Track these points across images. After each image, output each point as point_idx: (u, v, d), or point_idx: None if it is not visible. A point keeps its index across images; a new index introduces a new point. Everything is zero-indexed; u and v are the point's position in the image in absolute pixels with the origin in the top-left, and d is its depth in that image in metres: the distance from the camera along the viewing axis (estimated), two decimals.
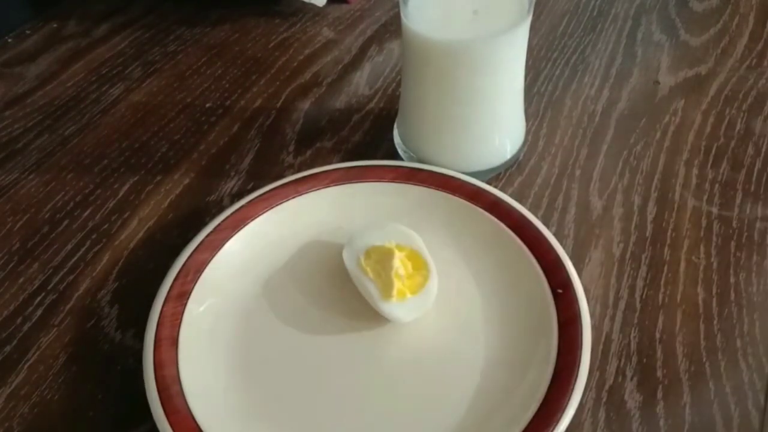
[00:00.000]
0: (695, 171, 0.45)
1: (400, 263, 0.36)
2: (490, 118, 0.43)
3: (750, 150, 0.46)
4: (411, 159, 0.45)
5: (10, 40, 0.61)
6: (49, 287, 0.41)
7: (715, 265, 0.40)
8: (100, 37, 0.61)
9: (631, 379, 0.35)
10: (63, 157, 0.49)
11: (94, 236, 0.44)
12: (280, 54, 0.58)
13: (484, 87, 0.41)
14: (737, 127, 0.48)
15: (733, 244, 0.41)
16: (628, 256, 0.40)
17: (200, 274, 0.38)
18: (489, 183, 0.43)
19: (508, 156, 0.45)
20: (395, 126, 0.47)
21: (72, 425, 0.34)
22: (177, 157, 0.49)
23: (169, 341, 0.35)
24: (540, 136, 0.48)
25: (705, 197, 0.43)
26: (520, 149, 0.46)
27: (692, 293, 0.38)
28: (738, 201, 0.43)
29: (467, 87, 0.41)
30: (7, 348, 0.38)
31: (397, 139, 0.47)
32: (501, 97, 0.42)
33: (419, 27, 0.40)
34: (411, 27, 0.40)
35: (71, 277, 0.41)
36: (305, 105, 0.53)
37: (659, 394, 0.34)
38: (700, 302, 0.38)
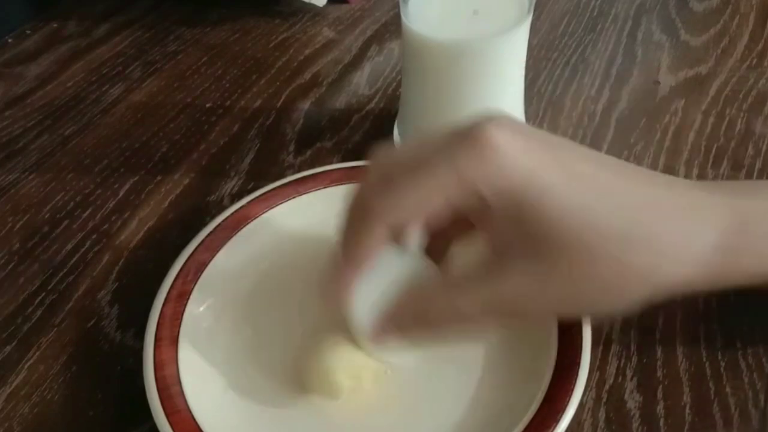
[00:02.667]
0: (695, 171, 0.45)
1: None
2: None
3: (750, 150, 0.46)
4: None
5: (10, 40, 0.61)
6: (49, 287, 0.41)
7: None
8: (100, 37, 0.61)
9: (631, 379, 0.35)
10: (63, 157, 0.49)
11: (94, 236, 0.44)
12: (280, 54, 0.58)
13: (484, 87, 0.41)
14: (737, 128, 0.48)
15: None
16: None
17: (200, 274, 0.38)
18: None
19: None
20: (395, 126, 0.47)
21: (72, 425, 0.34)
22: (177, 157, 0.49)
23: (169, 341, 0.35)
24: None
25: None
26: None
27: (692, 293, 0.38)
28: None
29: (467, 87, 0.41)
30: (7, 348, 0.38)
31: (397, 139, 0.46)
32: (501, 97, 0.42)
33: (419, 27, 0.39)
34: (411, 27, 0.40)
35: (71, 277, 0.41)
36: (305, 105, 0.53)
37: (659, 394, 0.34)
38: (700, 302, 0.38)
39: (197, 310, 0.37)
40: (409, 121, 0.45)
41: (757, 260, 0.29)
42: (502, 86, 0.42)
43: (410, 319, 0.31)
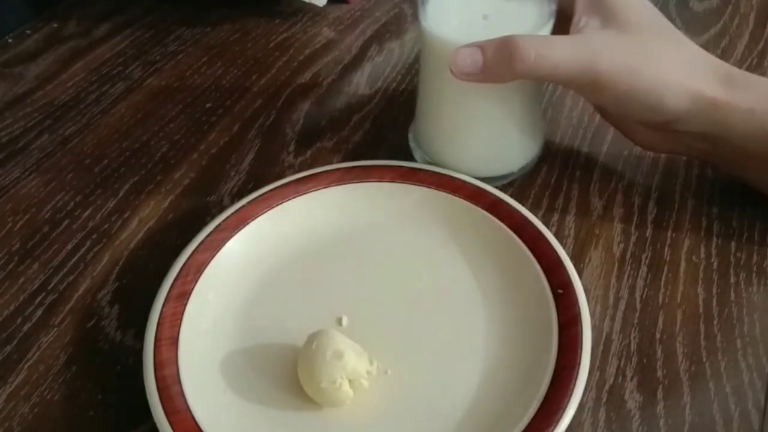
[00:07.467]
0: (695, 171, 0.45)
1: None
2: (506, 124, 0.42)
3: None
4: (426, 162, 0.44)
5: (10, 40, 0.61)
6: (49, 287, 0.41)
7: (715, 265, 0.40)
8: (100, 37, 0.61)
9: (631, 379, 0.35)
10: (63, 157, 0.49)
11: (94, 236, 0.44)
12: (280, 54, 0.58)
13: (498, 92, 0.40)
14: None
15: (733, 244, 0.41)
16: (628, 256, 0.40)
17: (200, 274, 0.38)
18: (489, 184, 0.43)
19: (526, 162, 0.44)
20: (410, 129, 0.47)
21: (72, 425, 0.34)
22: (177, 157, 0.49)
23: (169, 341, 0.35)
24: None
25: (705, 197, 0.43)
26: (538, 155, 0.45)
27: (692, 293, 0.38)
28: (738, 201, 0.43)
29: (480, 92, 0.40)
30: (7, 348, 0.38)
31: (412, 143, 0.46)
32: (517, 100, 0.41)
33: (436, 29, 0.39)
34: (429, 29, 0.39)
35: (71, 277, 0.41)
36: (305, 105, 0.53)
37: (659, 394, 0.34)
38: (700, 302, 0.38)
39: (197, 310, 0.37)
40: (425, 125, 0.44)
41: (737, 115, 0.37)
42: (517, 92, 0.41)
43: (498, 54, 0.37)
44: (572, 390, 0.32)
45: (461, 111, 0.42)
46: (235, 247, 0.39)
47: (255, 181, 0.46)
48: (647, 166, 0.46)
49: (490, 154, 0.43)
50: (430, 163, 0.44)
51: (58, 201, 0.46)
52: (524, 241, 0.38)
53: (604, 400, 0.34)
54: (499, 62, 0.37)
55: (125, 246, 0.43)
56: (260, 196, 0.41)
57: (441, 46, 0.39)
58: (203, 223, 0.40)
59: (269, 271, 0.39)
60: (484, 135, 0.42)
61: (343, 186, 0.42)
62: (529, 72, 0.37)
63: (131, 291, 0.40)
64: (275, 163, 0.48)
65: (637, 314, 0.37)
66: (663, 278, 0.39)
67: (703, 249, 0.40)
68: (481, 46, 0.37)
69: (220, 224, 0.40)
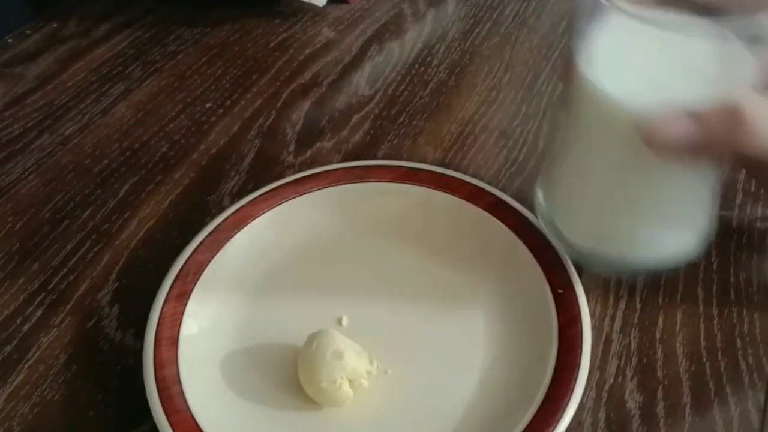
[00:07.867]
0: None
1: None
2: (682, 203, 0.35)
3: None
4: (569, 247, 0.37)
5: (10, 40, 0.61)
6: (49, 287, 0.41)
7: (715, 265, 0.39)
8: (100, 37, 0.61)
9: (631, 379, 0.35)
10: (63, 157, 0.49)
11: (94, 236, 0.44)
12: (280, 54, 0.58)
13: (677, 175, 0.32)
14: None
15: (733, 244, 0.41)
16: None
17: (200, 274, 0.38)
18: (489, 184, 0.42)
19: (701, 243, 0.36)
20: (537, 190, 0.39)
21: (72, 425, 0.34)
22: (177, 157, 0.49)
23: (169, 341, 0.35)
24: (540, 136, 0.48)
25: None
26: (703, 247, 0.37)
27: (692, 293, 0.38)
28: (738, 201, 0.43)
29: (658, 171, 0.32)
30: (7, 348, 0.38)
31: (540, 210, 0.38)
32: (698, 175, 0.33)
33: (610, 85, 0.29)
34: (597, 82, 0.30)
35: (71, 277, 0.41)
36: (305, 105, 0.53)
37: (659, 394, 0.34)
38: (700, 302, 0.38)
39: (197, 310, 0.37)
40: (574, 204, 0.37)
41: None
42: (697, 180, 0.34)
43: (720, 127, 0.28)
44: (572, 390, 0.32)
45: (635, 191, 0.33)
46: (235, 247, 0.39)
47: (255, 181, 0.46)
48: None
49: (651, 243, 0.36)
50: (576, 251, 0.37)
51: (58, 201, 0.46)
52: (524, 241, 0.38)
53: (604, 400, 0.34)
54: (720, 137, 0.28)
55: (125, 246, 0.43)
56: (260, 196, 0.41)
57: (615, 109, 0.29)
58: (203, 223, 0.40)
59: (269, 271, 0.39)
60: (658, 218, 0.35)
61: (343, 186, 0.42)
62: (757, 150, 0.28)
63: (131, 291, 0.40)
64: (275, 163, 0.48)
65: (637, 314, 0.37)
66: (663, 278, 0.39)
67: None
68: (694, 114, 0.28)
69: (220, 224, 0.40)
